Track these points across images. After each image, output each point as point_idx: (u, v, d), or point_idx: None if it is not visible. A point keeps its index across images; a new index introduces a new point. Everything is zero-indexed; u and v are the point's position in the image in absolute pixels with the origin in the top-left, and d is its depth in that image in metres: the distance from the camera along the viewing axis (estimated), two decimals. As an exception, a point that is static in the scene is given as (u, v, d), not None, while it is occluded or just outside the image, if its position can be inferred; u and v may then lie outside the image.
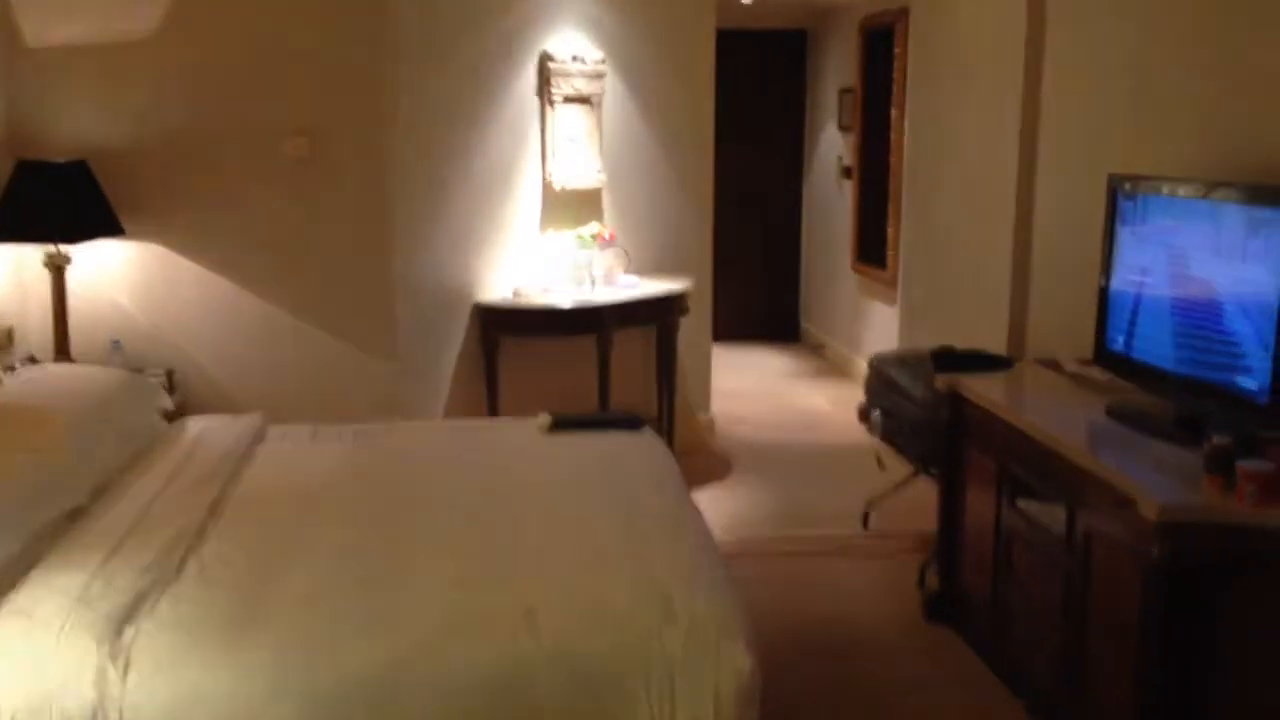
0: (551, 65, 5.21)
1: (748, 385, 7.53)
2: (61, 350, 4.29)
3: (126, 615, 2.41)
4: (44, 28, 4.36)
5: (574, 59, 5.28)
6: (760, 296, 8.89)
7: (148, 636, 2.35)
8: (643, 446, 3.70)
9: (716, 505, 5.28)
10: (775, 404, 7.15)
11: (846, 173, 7.88)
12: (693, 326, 5.87)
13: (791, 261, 8.98)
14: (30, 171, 4.15)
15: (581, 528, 2.91)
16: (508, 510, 3.05)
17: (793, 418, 6.86)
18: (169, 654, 2.31)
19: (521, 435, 3.80)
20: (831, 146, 8.24)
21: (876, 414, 4.66)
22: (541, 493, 3.19)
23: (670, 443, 5.52)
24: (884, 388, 4.62)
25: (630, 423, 3.90)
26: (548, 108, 5.25)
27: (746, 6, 7.99)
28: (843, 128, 7.96)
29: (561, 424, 3.83)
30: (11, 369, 3.91)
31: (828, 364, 8.20)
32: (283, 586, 2.57)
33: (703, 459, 5.95)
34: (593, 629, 2.42)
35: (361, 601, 2.49)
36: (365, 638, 2.36)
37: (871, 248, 7.36)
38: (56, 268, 4.25)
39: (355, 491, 3.22)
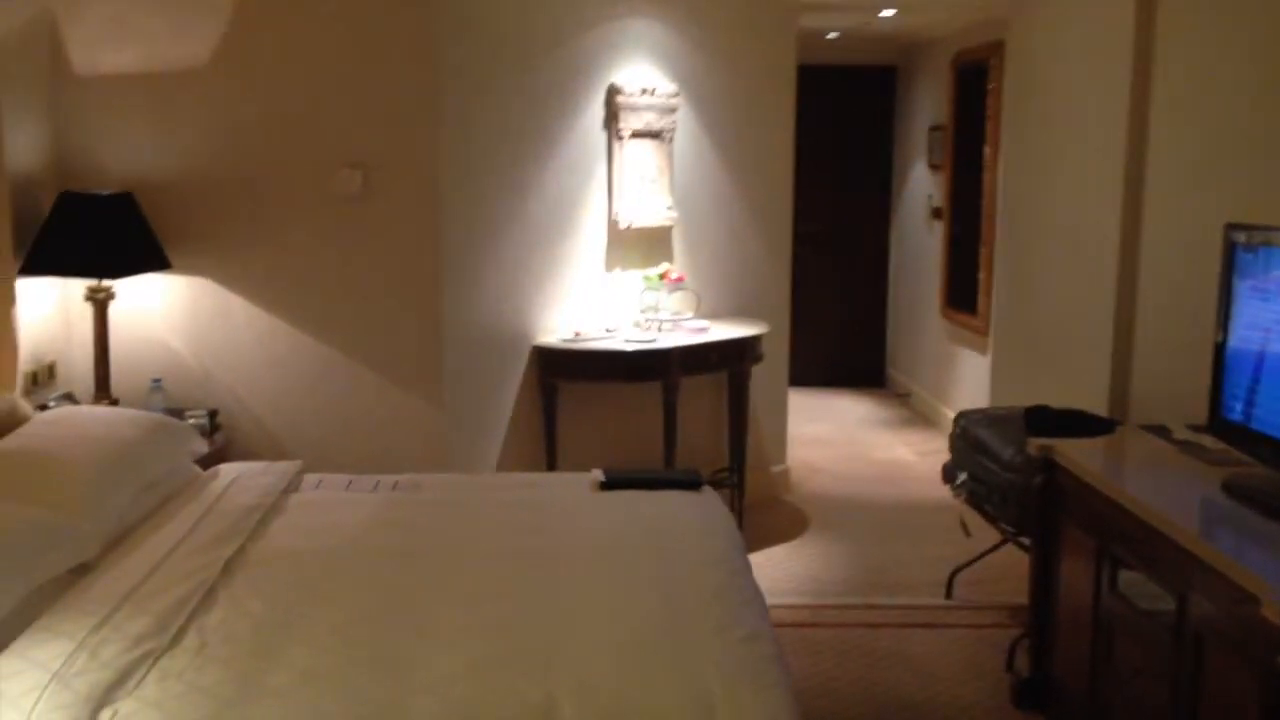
0: (620, 98, 4.96)
1: (827, 433, 7.18)
2: (103, 388, 4.12)
3: (106, 695, 2.17)
4: (93, 57, 4.23)
5: (644, 91, 5.03)
6: (843, 341, 8.54)
7: (124, 722, 2.11)
8: (701, 509, 3.40)
9: (788, 565, 4.96)
10: (855, 454, 6.79)
11: (936, 213, 7.52)
12: (768, 373, 5.56)
13: (877, 305, 8.62)
14: (74, 203, 4.00)
15: (620, 607, 2.60)
16: (541, 581, 2.76)
17: (874, 469, 6.49)
18: (146, 744, 2.07)
19: (570, 493, 3.52)
20: (921, 186, 7.89)
21: (963, 477, 4.30)
22: (581, 562, 2.90)
23: (741, 496, 5.22)
24: (970, 449, 4.26)
25: (689, 482, 3.59)
26: (615, 142, 4.99)
27: (833, 42, 7.72)
28: (933, 166, 7.61)
29: (613, 482, 3.54)
30: (44, 407, 3.75)
31: (913, 413, 7.81)
32: (280, 667, 2.31)
33: (776, 514, 5.62)
34: (620, 733, 2.12)
35: (360, 691, 2.22)
36: (358, 738, 2.09)
37: (962, 293, 6.99)
38: (99, 302, 4.10)
39: (379, 553, 2.96)
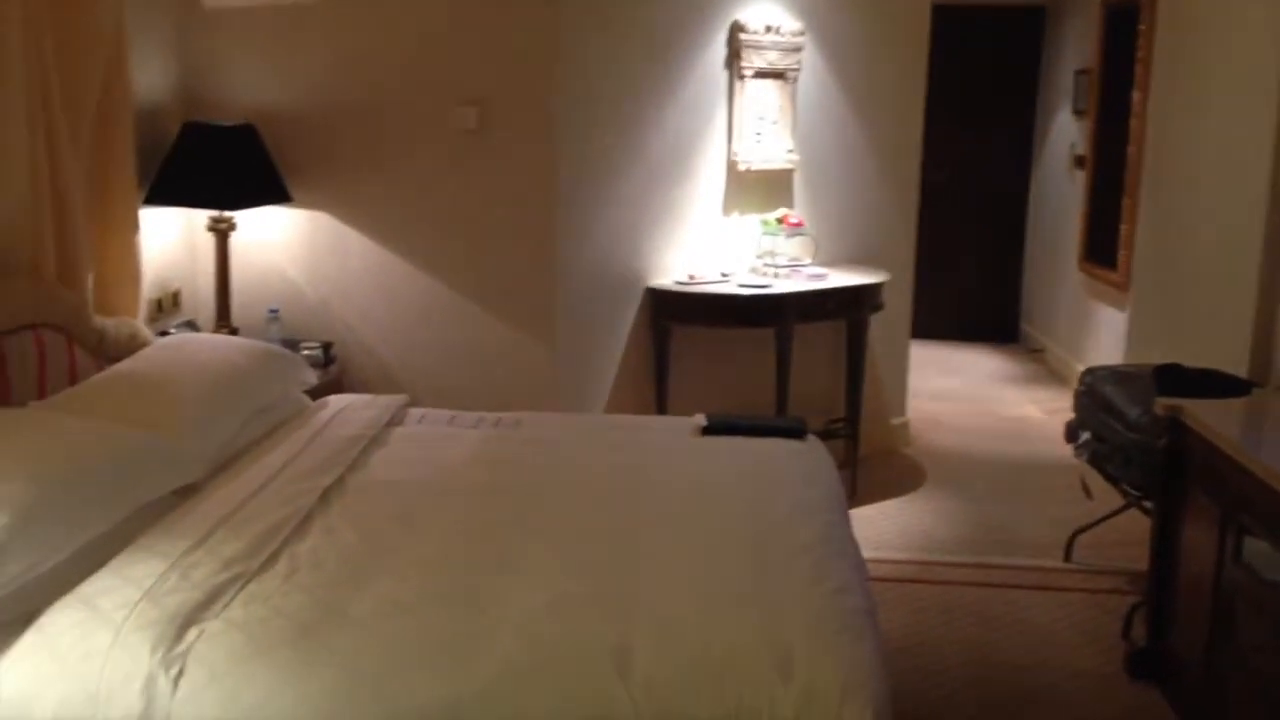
0: (743, 36, 4.82)
1: (953, 387, 6.97)
2: (223, 316, 4.22)
3: (194, 614, 2.21)
4: (222, -11, 4.29)
5: (768, 30, 4.88)
6: (975, 292, 8.27)
7: (209, 641, 2.15)
8: (803, 459, 3.31)
9: (902, 520, 4.84)
10: (980, 409, 6.58)
11: (1079, 162, 7.18)
12: (889, 323, 5.41)
13: (1013, 256, 8.31)
14: (197, 134, 4.07)
15: (707, 553, 2.55)
16: (630, 524, 2.73)
17: (1000, 425, 6.28)
18: (226, 663, 2.10)
19: (672, 437, 3.46)
20: (1064, 133, 7.55)
21: (1086, 436, 4.12)
22: (674, 507, 2.85)
23: (855, 447, 5.10)
24: (1096, 406, 4.07)
25: (792, 430, 3.50)
26: (737, 82, 4.86)
27: (977, -21, 7.40)
28: (1077, 112, 7.27)
29: (715, 427, 3.47)
30: (166, 334, 3.85)
31: (1046, 369, 7.53)
32: (365, 596, 2.32)
33: (892, 467, 5.49)
34: (692, 681, 2.07)
35: (439, 624, 2.21)
36: (431, 671, 2.08)
37: (1102, 245, 6.67)
38: (221, 233, 4.18)
39: (472, 489, 2.96)
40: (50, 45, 3.23)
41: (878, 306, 5.12)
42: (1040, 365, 7.63)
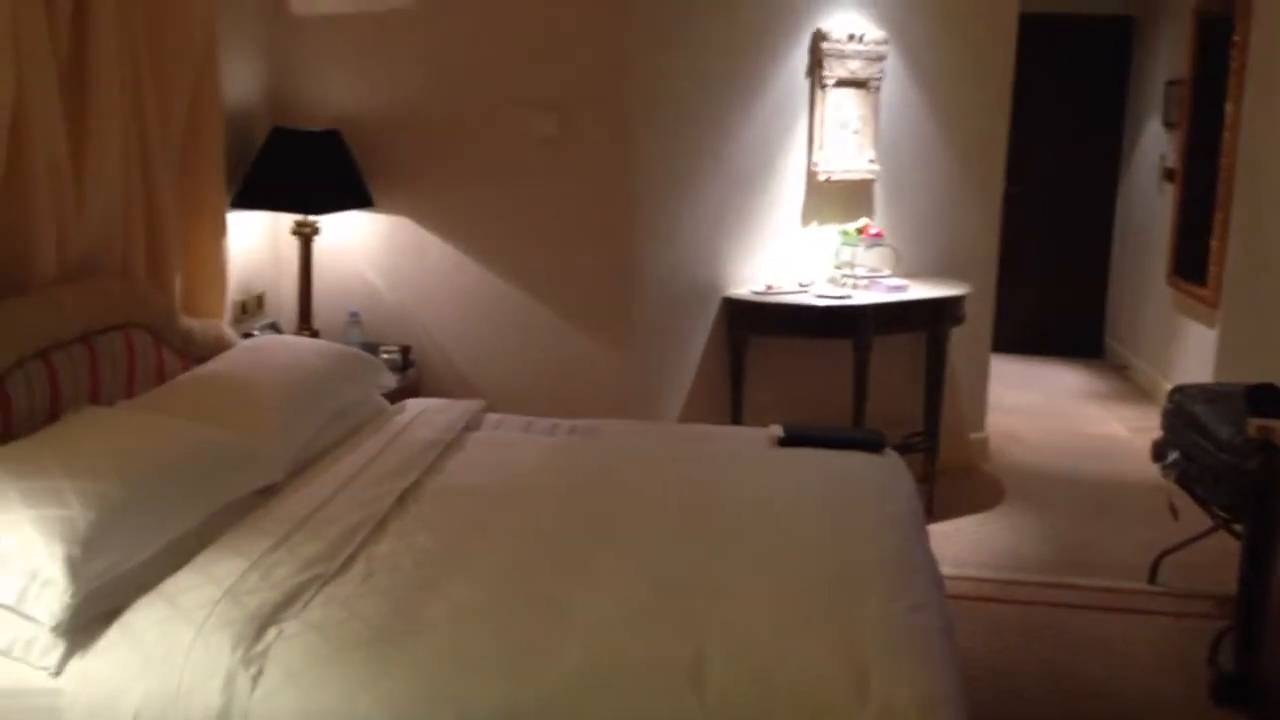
0: (825, 45, 4.79)
1: (1034, 402, 6.85)
2: (305, 319, 4.28)
3: (273, 615, 2.23)
4: (311, -3, 4.36)
5: (851, 38, 4.84)
6: (1058, 306, 8.11)
7: (287, 642, 2.17)
8: (881, 472, 3.26)
9: (978, 537, 4.76)
10: (1062, 426, 6.45)
11: (1168, 175, 7.03)
12: (970, 336, 5.33)
13: (1098, 270, 8.15)
14: (284, 139, 4.14)
15: (782, 567, 2.52)
16: (705, 535, 2.70)
17: (1081, 443, 6.16)
18: (304, 664, 2.12)
19: (748, 447, 3.44)
20: (1154, 145, 7.39)
21: (1174, 456, 4.02)
22: (748, 518, 2.82)
23: (932, 462, 5.03)
24: (1185, 426, 3.97)
25: (871, 443, 3.46)
26: (818, 91, 4.83)
27: (1064, -12, 7.29)
28: (1168, 124, 7.11)
29: (792, 438, 3.44)
30: (249, 335, 3.91)
31: (1131, 386, 7.37)
32: (439, 601, 2.33)
33: (970, 483, 5.40)
34: (766, 698, 2.05)
35: (513, 631, 2.21)
36: (504, 677, 2.08)
37: (1191, 260, 6.52)
38: (304, 237, 4.24)
39: (547, 496, 2.96)
40: (144, 52, 3.30)
41: (959, 319, 5.05)
42: (1125, 382, 7.48)
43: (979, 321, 5.41)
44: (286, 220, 4.28)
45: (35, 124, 2.79)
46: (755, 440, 3.50)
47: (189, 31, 3.48)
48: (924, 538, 2.92)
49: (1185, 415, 3.99)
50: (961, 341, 5.25)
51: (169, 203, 3.46)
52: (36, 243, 2.86)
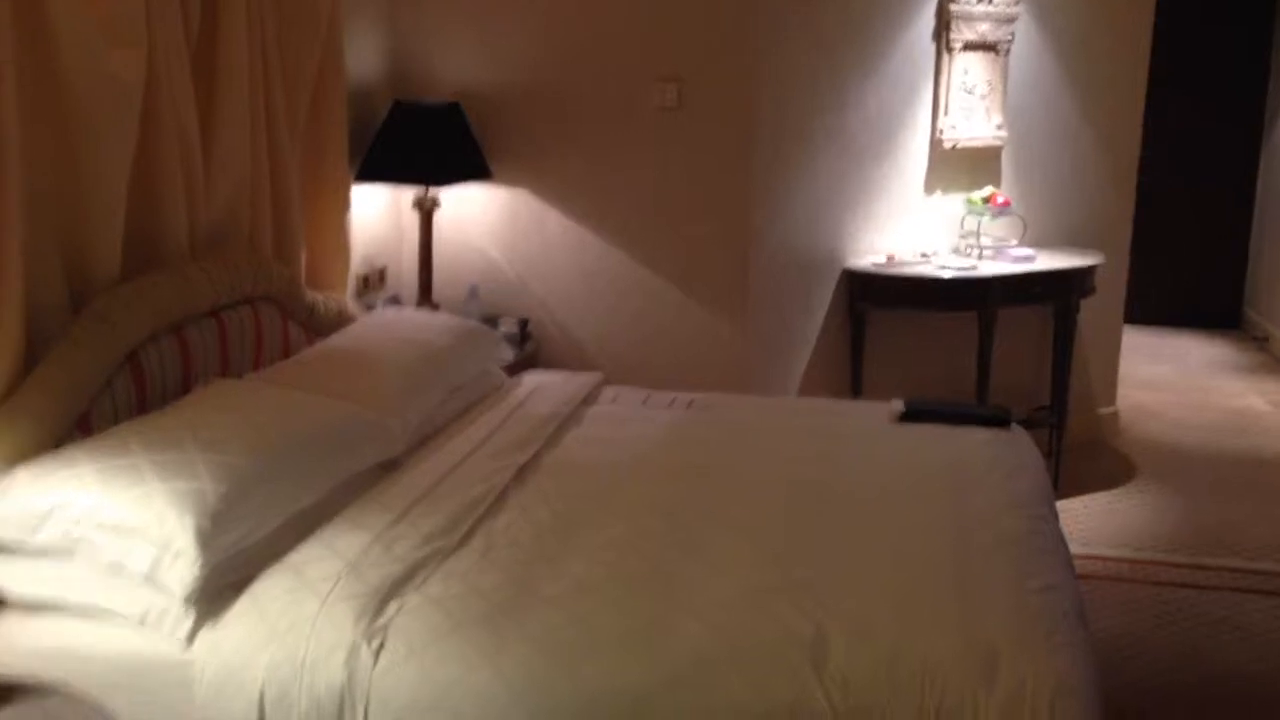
0: (953, 7, 4.63)
1: (1168, 376, 6.61)
2: (425, 293, 4.32)
3: (394, 589, 2.26)
4: (431, -31, 4.38)
5: (980, 0, 4.69)
6: (1193, 275, 7.78)
7: (408, 615, 2.19)
8: (1007, 448, 3.17)
9: (1109, 515, 4.62)
10: (1199, 400, 6.21)
11: (1316, 137, 6.69)
12: (1101, 307, 5.15)
13: (1238, 238, 7.80)
14: (405, 112, 4.17)
15: (905, 546, 2.47)
16: (825, 513, 2.66)
17: (1220, 418, 5.91)
18: (424, 637, 2.14)
19: (868, 422, 3.37)
20: (1300, 106, 7.04)
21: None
22: (871, 496, 2.77)
23: (1060, 438, 4.89)
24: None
25: (996, 418, 3.36)
26: (945, 55, 4.69)
27: (1206, -59, 6.96)
28: (1316, 83, 6.76)
29: (914, 413, 3.37)
30: (372, 309, 3.97)
31: (1271, 358, 7.06)
32: (557, 575, 2.34)
33: (1100, 459, 5.24)
34: (889, 680, 2.01)
35: (631, 608, 2.21)
36: (623, 655, 2.08)
37: (1339, 227, 6.21)
38: (425, 211, 4.28)
39: (667, 470, 2.94)
40: (272, 30, 3.35)
41: (1089, 291, 4.88)
42: (1265, 354, 7.16)
43: (1111, 292, 5.23)
44: (408, 194, 4.33)
45: (166, 103, 2.85)
46: (876, 415, 3.43)
47: (314, 8, 3.52)
48: (1053, 516, 2.83)
49: (1334, 391, 3.79)
50: (1092, 312, 5.08)
51: (295, 177, 3.51)
52: (169, 219, 2.93)
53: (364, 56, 4.21)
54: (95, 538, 2.21)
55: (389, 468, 2.90)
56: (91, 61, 2.57)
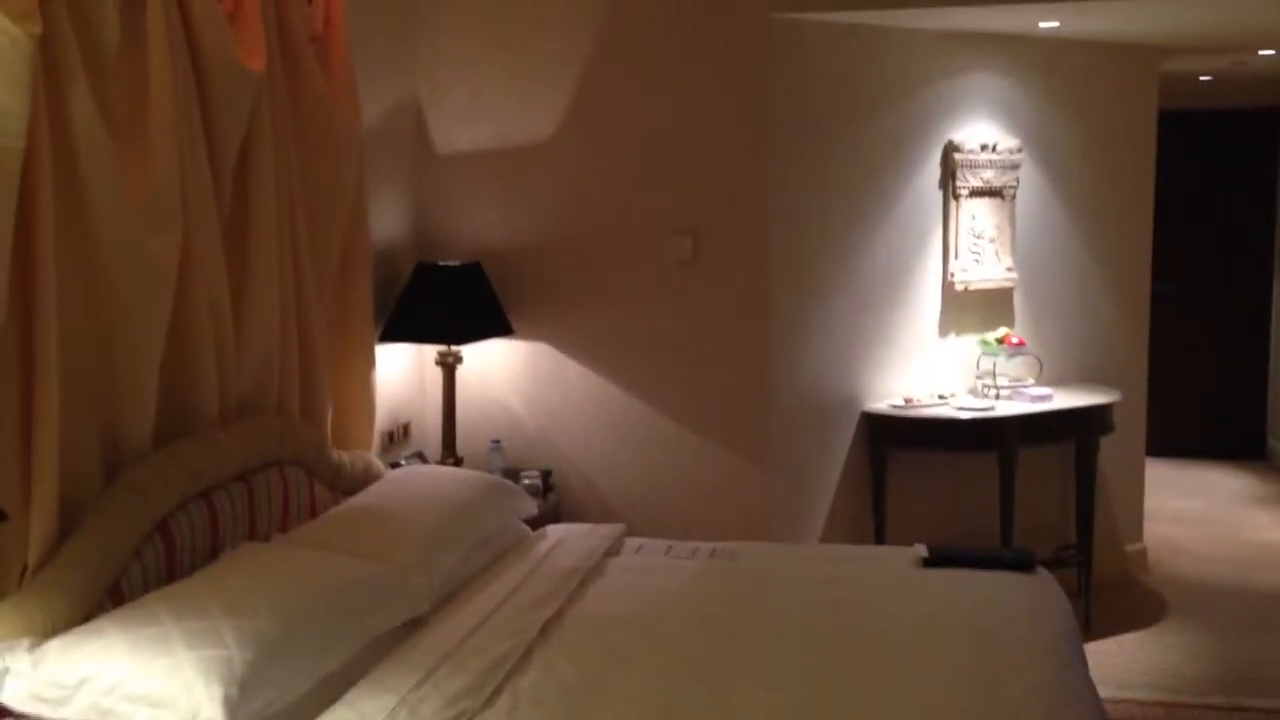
0: (958, 156, 4.78)
1: (1193, 510, 6.56)
2: (449, 447, 4.38)
3: (422, 753, 2.26)
4: (452, 135, 4.55)
5: (984, 148, 4.83)
6: (1216, 409, 7.78)
7: (436, 780, 2.19)
8: (1032, 593, 3.17)
9: (1141, 655, 4.55)
10: (1226, 534, 6.16)
11: (1326, 267, 6.76)
12: (1123, 443, 5.16)
13: (1257, 369, 7.82)
14: (428, 274, 4.29)
15: (931, 698, 2.46)
16: (849, 663, 2.66)
17: (1248, 552, 5.86)
18: (452, 803, 2.13)
19: (891, 568, 3.38)
20: (1308, 237, 7.13)
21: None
22: (894, 645, 2.76)
23: (1087, 577, 4.86)
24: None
25: (1020, 562, 3.36)
26: (952, 201, 4.82)
27: (1205, 84, 7.16)
28: (1322, 215, 6.87)
29: (937, 559, 3.37)
30: (397, 465, 4.02)
31: (1299, 489, 7.02)
32: (583, 737, 2.33)
33: (1129, 597, 5.18)
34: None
35: (657, 769, 2.20)
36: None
37: (1356, 356, 6.23)
38: (448, 366, 4.36)
39: (689, 623, 2.94)
40: (300, 200, 3.49)
41: (1108, 428, 4.90)
42: (1292, 485, 7.12)
43: (1132, 427, 5.25)
44: (431, 351, 4.42)
45: (199, 279, 2.95)
46: (899, 561, 3.44)
47: (341, 178, 3.66)
48: (1082, 663, 2.81)
49: (1360, 526, 3.78)
50: (1114, 448, 5.09)
51: (322, 341, 3.61)
52: (200, 388, 3.01)
53: (389, 221, 4.35)
54: (125, 709, 2.23)
55: (415, 625, 2.91)
56: (129, 245, 2.67)
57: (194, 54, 2.96)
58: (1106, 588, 5.11)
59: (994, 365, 4.80)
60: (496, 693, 2.54)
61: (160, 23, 2.79)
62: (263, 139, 3.25)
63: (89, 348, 2.66)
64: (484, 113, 4.52)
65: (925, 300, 4.85)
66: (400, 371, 4.42)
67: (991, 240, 4.91)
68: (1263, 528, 6.27)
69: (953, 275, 4.84)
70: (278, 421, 3.28)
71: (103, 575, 2.53)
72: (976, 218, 4.87)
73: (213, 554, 2.85)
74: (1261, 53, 6.04)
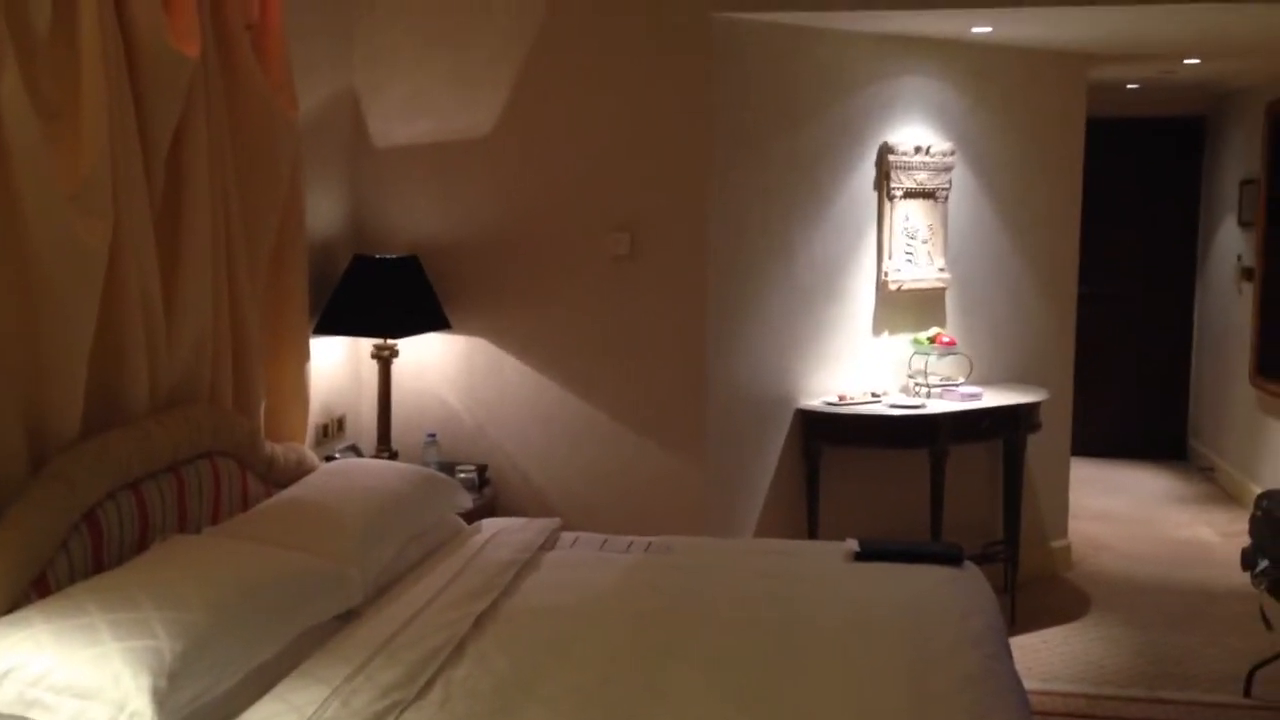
0: (892, 158, 4.85)
1: (1117, 508, 6.72)
2: (384, 441, 4.36)
3: (353, 744, 2.26)
4: (389, 129, 4.53)
5: (917, 150, 4.90)
6: (1140, 410, 7.98)
7: (366, 773, 2.18)
8: (961, 586, 3.22)
9: (1065, 649, 4.65)
10: (1148, 531, 6.31)
11: (1247, 274, 6.94)
12: (1049, 442, 5.27)
13: (1179, 371, 8.02)
14: (365, 266, 4.27)
15: (862, 688, 2.50)
16: (782, 655, 2.69)
17: (1168, 549, 6.01)
18: (383, 794, 2.13)
19: (822, 562, 3.42)
20: (1230, 245, 7.32)
21: (1265, 564, 3.92)
22: (826, 637, 2.80)
23: (1014, 572, 4.95)
24: (1273, 533, 3.88)
25: (949, 556, 3.42)
26: (886, 202, 4.88)
27: (1133, 93, 7.32)
28: (1243, 223, 7.05)
29: (869, 553, 3.42)
30: (331, 458, 4.00)
31: (1217, 488, 7.20)
32: (515, 728, 2.34)
33: (1053, 593, 5.29)
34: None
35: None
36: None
37: (1275, 360, 6.42)
38: (383, 360, 4.34)
39: (624, 615, 2.96)
40: (234, 190, 3.45)
41: (1035, 426, 5.00)
42: (1211, 485, 7.30)
43: (1058, 426, 5.35)
44: (366, 344, 4.40)
45: (130, 267, 2.91)
46: (831, 555, 3.48)
47: (276, 168, 3.63)
48: (1008, 655, 2.87)
49: (1274, 522, 3.89)
50: (1041, 447, 5.19)
51: (256, 332, 3.57)
52: (130, 377, 2.97)
53: (325, 213, 4.32)
54: (51, 700, 2.19)
55: (348, 618, 2.90)
56: (59, 232, 2.62)
57: (127, 38, 2.92)
58: (1032, 583, 5.22)
59: (926, 364, 4.88)
60: (429, 684, 2.54)
61: (92, 5, 2.75)
62: (196, 126, 3.21)
63: (16, 336, 2.61)
64: (423, 107, 4.50)
65: (860, 299, 4.91)
66: (335, 364, 4.39)
67: (924, 241, 4.99)
68: (1183, 525, 6.43)
69: (886, 275, 4.91)
70: (209, 412, 3.24)
71: (28, 567, 2.49)
72: (910, 219, 4.95)
73: (141, 546, 2.81)
74: (1187, 61, 6.19)
